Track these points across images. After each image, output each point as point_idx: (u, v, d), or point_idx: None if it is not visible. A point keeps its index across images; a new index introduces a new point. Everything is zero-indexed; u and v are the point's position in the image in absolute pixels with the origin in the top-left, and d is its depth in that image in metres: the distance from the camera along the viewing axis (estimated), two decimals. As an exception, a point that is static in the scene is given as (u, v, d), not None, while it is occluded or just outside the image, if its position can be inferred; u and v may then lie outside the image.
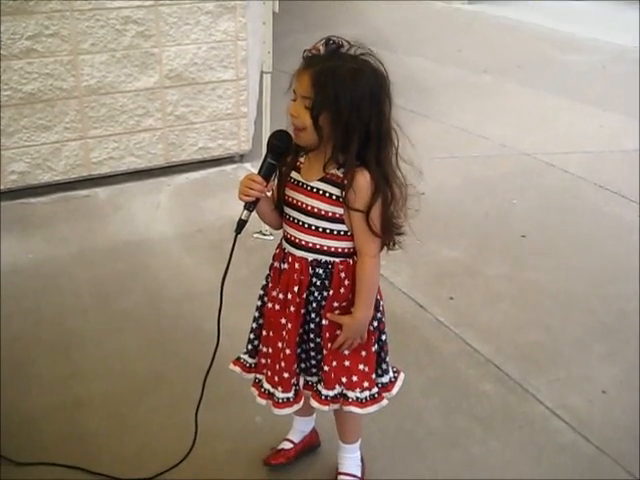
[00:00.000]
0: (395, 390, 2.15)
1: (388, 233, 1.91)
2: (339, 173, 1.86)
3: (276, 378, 2.05)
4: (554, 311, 3.29)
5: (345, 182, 1.84)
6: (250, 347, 2.15)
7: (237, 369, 2.17)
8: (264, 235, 3.69)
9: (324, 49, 1.81)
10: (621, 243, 3.90)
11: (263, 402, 2.11)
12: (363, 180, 1.83)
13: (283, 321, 2.01)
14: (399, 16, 9.49)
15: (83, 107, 4.15)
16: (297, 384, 2.09)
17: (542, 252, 3.81)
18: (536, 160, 4.99)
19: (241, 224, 1.95)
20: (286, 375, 2.04)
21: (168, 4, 4.17)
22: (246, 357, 2.17)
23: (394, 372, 2.17)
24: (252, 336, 2.15)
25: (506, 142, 5.28)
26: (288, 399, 2.06)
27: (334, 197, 1.88)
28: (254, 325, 2.14)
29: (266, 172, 1.93)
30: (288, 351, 2.01)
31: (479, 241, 3.90)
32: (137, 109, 4.30)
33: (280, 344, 2.03)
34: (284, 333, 2.01)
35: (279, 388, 2.05)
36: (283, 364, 2.03)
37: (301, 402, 2.10)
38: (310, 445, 2.39)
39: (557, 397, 2.73)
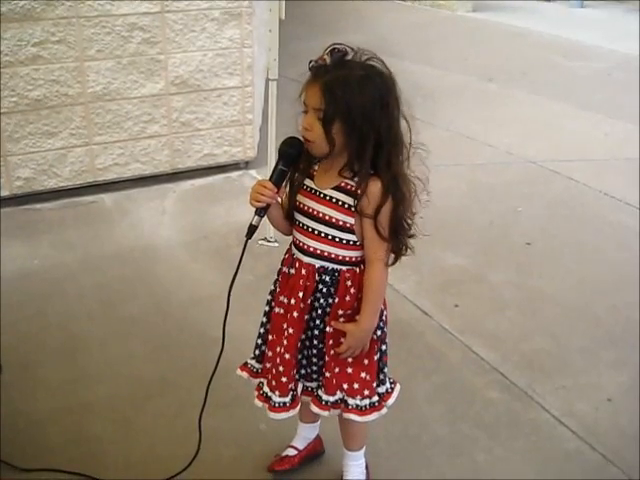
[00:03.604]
0: (391, 401, 2.14)
1: (398, 236, 1.90)
2: (353, 182, 1.86)
3: (274, 382, 2.06)
4: (560, 319, 3.28)
5: (359, 192, 1.84)
6: (257, 352, 2.16)
7: (245, 374, 2.18)
8: (269, 242, 3.70)
9: (330, 58, 1.81)
10: (626, 251, 3.90)
11: (260, 404, 2.11)
12: (375, 188, 1.84)
13: (284, 326, 2.01)
14: (405, 23, 9.52)
15: (89, 113, 4.16)
16: (295, 390, 2.09)
17: (547, 260, 3.81)
18: (541, 168, 4.99)
19: (252, 229, 1.96)
20: (284, 379, 2.04)
21: (174, 11, 4.19)
22: (253, 362, 2.17)
23: (391, 383, 2.16)
24: (259, 341, 2.15)
25: (511, 150, 5.28)
26: (284, 403, 2.07)
27: (346, 206, 1.88)
28: (261, 330, 2.14)
29: (277, 178, 1.94)
30: (287, 356, 2.02)
31: (484, 248, 3.90)
32: (143, 115, 4.31)
33: (279, 348, 2.03)
34: (283, 338, 2.01)
35: (276, 392, 2.06)
36: (281, 368, 2.03)
37: (297, 408, 2.10)
38: (314, 452, 2.38)
39: (563, 405, 2.72)
